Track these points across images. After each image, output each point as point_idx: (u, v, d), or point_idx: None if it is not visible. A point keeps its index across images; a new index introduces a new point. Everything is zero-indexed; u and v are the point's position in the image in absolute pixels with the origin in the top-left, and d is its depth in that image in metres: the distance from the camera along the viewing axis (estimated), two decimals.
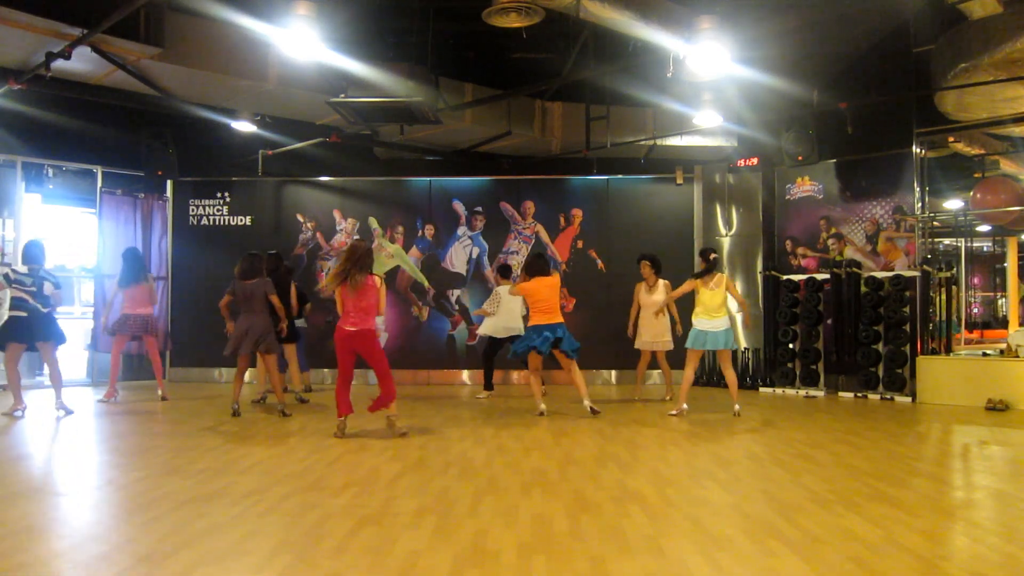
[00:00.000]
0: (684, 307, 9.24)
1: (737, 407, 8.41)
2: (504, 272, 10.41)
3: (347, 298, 6.97)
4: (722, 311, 8.37)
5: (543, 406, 8.52)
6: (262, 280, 8.43)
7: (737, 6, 7.86)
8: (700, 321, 8.37)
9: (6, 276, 8.34)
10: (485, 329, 10.14)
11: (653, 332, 9.63)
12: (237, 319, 8.43)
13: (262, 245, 12.05)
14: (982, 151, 11.65)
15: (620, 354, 11.14)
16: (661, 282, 9.67)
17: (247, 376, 9.04)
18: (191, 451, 6.44)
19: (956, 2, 7.48)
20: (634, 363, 10.06)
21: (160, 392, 9.80)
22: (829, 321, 10.79)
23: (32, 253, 8.41)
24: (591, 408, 8.33)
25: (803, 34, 9.26)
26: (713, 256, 8.53)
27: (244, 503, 4.64)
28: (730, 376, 8.49)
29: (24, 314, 8.20)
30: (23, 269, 8.37)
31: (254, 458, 6.09)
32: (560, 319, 8.40)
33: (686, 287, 8.52)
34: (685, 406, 8.46)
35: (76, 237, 12.48)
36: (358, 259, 6.96)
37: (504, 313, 9.92)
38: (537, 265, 8.55)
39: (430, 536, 4.00)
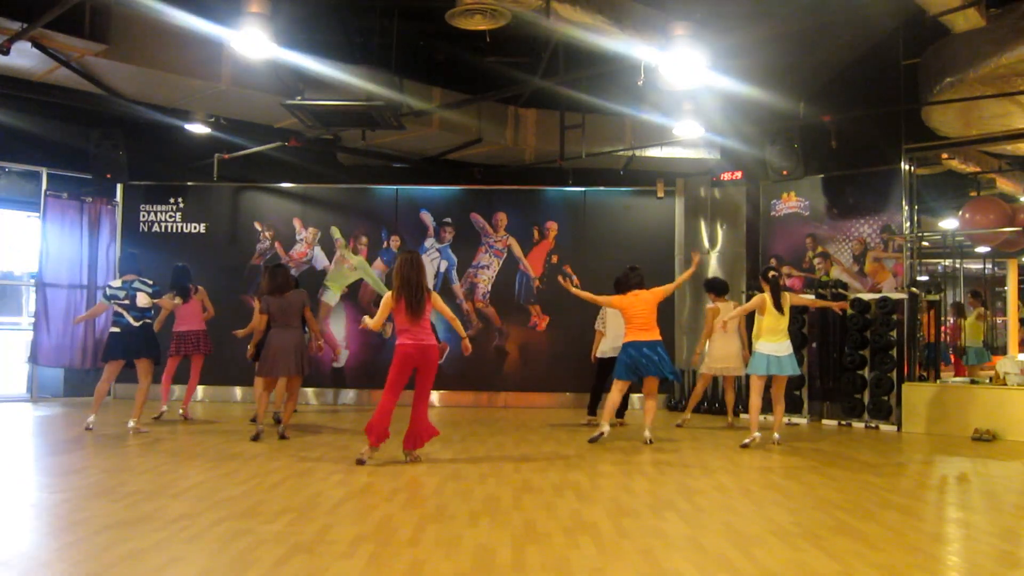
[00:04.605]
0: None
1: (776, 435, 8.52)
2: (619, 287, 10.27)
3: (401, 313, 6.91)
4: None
5: (606, 428, 8.34)
6: (298, 292, 8.49)
7: (716, 13, 7.98)
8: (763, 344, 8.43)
9: (104, 292, 8.61)
10: (600, 351, 10.02)
11: (725, 356, 9.88)
12: (267, 336, 8.40)
13: (217, 254, 12.13)
14: (977, 169, 11.83)
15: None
16: (732, 304, 10.03)
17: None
18: (125, 472, 6.45)
19: (938, 15, 7.63)
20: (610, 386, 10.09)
21: (183, 411, 9.75)
22: (814, 345, 10.89)
23: (125, 264, 8.69)
24: (647, 439, 8.34)
25: (787, 43, 9.41)
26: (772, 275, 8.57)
27: (171, 528, 4.65)
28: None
29: (118, 330, 8.42)
30: (117, 283, 8.53)
31: (191, 480, 6.10)
32: (657, 336, 8.41)
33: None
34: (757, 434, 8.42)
35: (19, 242, 12.44)
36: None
37: (614, 330, 9.68)
38: (632, 278, 8.59)
39: (363, 566, 4.03)
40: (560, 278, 8.87)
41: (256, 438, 8.14)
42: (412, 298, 6.81)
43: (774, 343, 8.33)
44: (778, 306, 8.33)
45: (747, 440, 8.30)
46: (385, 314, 6.95)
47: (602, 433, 8.33)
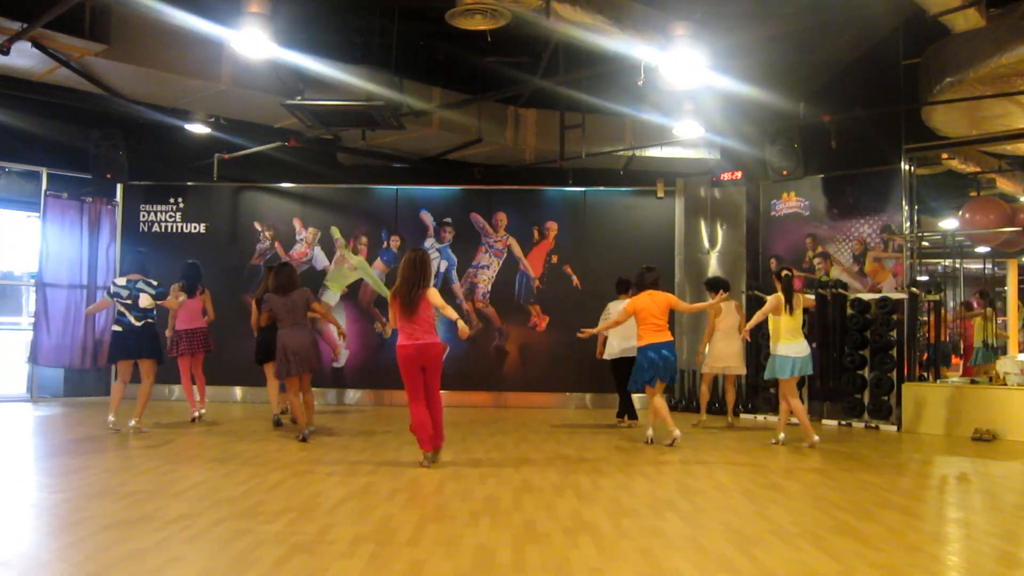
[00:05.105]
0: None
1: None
2: (622, 288, 10.06)
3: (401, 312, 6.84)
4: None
5: (677, 432, 8.20)
6: (301, 291, 8.42)
7: (716, 13, 7.98)
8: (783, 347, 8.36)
9: (108, 289, 8.61)
10: (608, 354, 9.92)
11: (727, 356, 9.88)
12: (277, 337, 8.34)
13: (217, 254, 12.12)
14: (977, 169, 11.83)
15: (596, 376, 11.22)
16: (733, 303, 10.04)
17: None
18: (125, 472, 6.46)
19: (938, 15, 7.63)
20: (611, 386, 10.14)
21: (197, 412, 9.57)
22: (814, 345, 10.83)
23: (131, 263, 8.73)
24: (650, 439, 8.35)
25: (787, 43, 9.40)
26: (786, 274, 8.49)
27: (171, 528, 4.65)
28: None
29: (120, 329, 8.43)
30: (122, 281, 8.53)
31: (191, 480, 6.10)
32: (670, 337, 8.37)
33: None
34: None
35: (19, 242, 12.44)
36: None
37: (618, 331, 9.58)
38: (648, 277, 8.54)
39: (363, 566, 4.03)
40: (578, 334, 8.84)
41: (304, 439, 8.12)
42: (405, 296, 6.76)
43: (794, 344, 8.31)
44: (789, 306, 8.31)
45: (807, 443, 8.32)
46: (393, 313, 6.96)
47: (675, 438, 8.19)
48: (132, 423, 8.46)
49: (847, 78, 10.87)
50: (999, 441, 9.01)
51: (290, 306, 8.29)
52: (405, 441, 8.40)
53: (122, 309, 8.38)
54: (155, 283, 8.50)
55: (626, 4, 8.05)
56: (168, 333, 9.41)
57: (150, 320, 8.51)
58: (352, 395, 12.19)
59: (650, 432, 8.43)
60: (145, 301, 8.38)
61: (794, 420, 8.53)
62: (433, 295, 6.85)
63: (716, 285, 9.87)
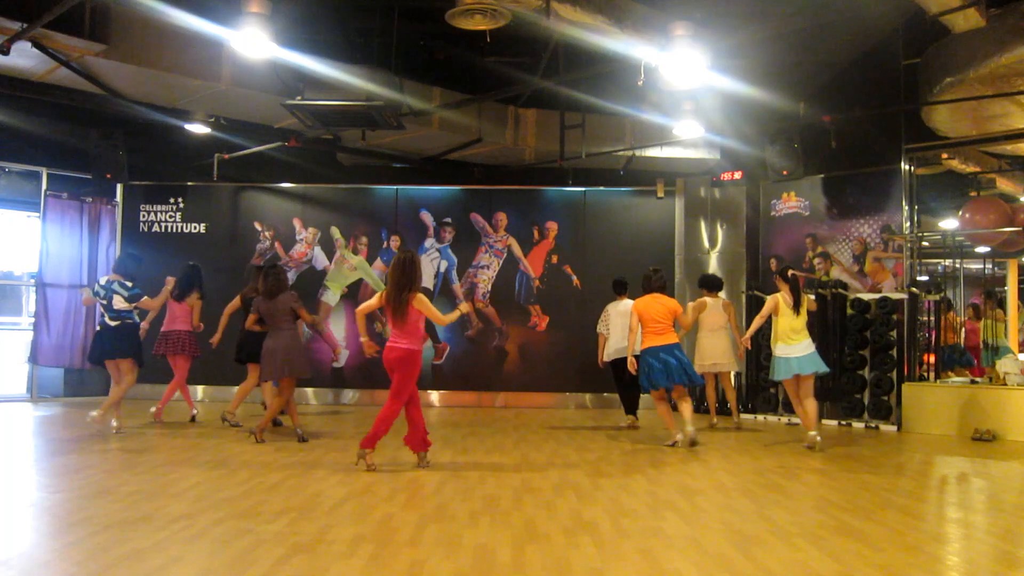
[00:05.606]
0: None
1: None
2: (619, 288, 9.99)
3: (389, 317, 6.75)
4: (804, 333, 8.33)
5: (679, 436, 8.23)
6: (287, 295, 8.35)
7: (716, 13, 7.99)
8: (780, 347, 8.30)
9: (92, 288, 8.70)
10: (606, 355, 9.82)
11: (713, 353, 9.82)
12: (265, 340, 8.31)
13: (217, 254, 12.12)
14: (977, 169, 11.83)
15: (596, 376, 11.20)
16: (720, 300, 9.98)
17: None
18: (124, 472, 6.44)
19: (938, 14, 7.64)
20: (610, 387, 10.12)
21: (195, 411, 9.73)
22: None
23: (117, 263, 8.76)
24: (692, 440, 8.23)
25: (787, 43, 9.41)
26: (792, 273, 8.43)
27: (171, 528, 4.65)
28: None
29: (99, 328, 8.56)
30: (103, 280, 8.60)
31: (190, 481, 6.10)
32: (674, 339, 8.25)
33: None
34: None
35: (19, 242, 12.44)
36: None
37: (617, 332, 9.56)
38: (655, 280, 8.46)
39: (363, 566, 4.03)
40: (630, 370, 8.69)
41: (302, 440, 8.17)
42: (394, 300, 6.64)
43: (790, 345, 8.22)
44: (796, 306, 8.22)
45: (807, 443, 8.27)
46: (367, 306, 6.86)
47: (676, 441, 8.20)
48: (93, 413, 8.33)
49: (847, 78, 10.88)
50: (999, 441, 9.01)
51: (273, 310, 8.26)
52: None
53: (101, 309, 8.45)
54: (130, 284, 8.44)
55: (626, 4, 8.04)
56: (144, 324, 9.29)
57: (128, 321, 8.46)
58: (351, 395, 12.18)
59: (690, 429, 8.27)
60: (117, 303, 8.36)
61: (795, 420, 8.52)
62: (421, 303, 6.61)
63: (700, 284, 9.91)
